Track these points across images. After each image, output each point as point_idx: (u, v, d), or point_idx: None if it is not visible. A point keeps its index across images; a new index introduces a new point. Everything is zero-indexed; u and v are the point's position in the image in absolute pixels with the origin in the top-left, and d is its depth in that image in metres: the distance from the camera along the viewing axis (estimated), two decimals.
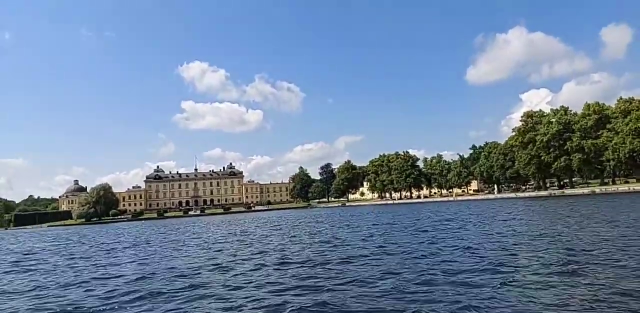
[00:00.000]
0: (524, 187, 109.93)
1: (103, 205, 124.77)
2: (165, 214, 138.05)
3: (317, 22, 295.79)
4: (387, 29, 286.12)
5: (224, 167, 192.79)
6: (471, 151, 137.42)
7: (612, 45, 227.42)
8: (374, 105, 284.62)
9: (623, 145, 71.82)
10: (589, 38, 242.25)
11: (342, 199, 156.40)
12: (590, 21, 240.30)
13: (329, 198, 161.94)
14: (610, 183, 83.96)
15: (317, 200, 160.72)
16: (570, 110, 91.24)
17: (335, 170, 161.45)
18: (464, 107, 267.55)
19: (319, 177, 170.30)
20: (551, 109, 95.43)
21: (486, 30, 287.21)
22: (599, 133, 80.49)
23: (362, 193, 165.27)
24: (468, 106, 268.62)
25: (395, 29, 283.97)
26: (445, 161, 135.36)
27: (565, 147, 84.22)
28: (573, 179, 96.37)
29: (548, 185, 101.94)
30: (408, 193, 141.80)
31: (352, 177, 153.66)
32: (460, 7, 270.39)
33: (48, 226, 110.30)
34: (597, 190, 72.38)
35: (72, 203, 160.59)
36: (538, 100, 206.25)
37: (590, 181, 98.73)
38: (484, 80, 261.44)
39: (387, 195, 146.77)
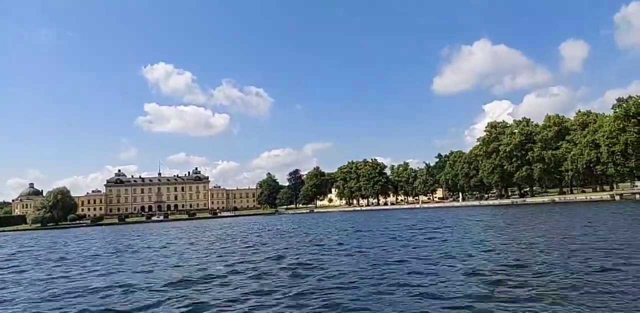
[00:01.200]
0: (486, 195, 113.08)
1: (60, 210, 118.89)
2: (127, 219, 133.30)
3: (287, 29, 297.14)
4: (356, 38, 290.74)
5: (189, 172, 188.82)
6: (437, 160, 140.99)
7: (570, 59, 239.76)
8: (342, 112, 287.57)
9: (581, 156, 75.19)
10: (548, 52, 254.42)
11: (310, 206, 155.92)
12: (550, 36, 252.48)
13: (297, 204, 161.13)
14: (568, 192, 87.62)
15: (285, 207, 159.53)
16: (532, 122, 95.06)
17: (304, 176, 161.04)
18: (430, 116, 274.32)
19: (286, 184, 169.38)
20: (514, 120, 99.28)
21: (452, 42, 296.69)
22: (558, 144, 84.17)
23: (330, 200, 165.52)
24: (434, 115, 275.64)
25: (364, 38, 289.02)
26: (412, 169, 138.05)
27: (527, 157, 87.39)
28: (533, 188, 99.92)
29: (510, 193, 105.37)
30: (375, 200, 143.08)
31: (320, 184, 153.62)
32: (428, 18, 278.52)
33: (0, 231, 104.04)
34: (557, 199, 75.35)
35: (26, 207, 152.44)
36: (500, 111, 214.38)
37: (549, 190, 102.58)
38: (449, 90, 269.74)
39: (355, 201, 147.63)
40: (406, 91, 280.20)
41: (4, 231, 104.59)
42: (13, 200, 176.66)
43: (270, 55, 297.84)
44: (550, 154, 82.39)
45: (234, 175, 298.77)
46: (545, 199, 77.65)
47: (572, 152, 78.05)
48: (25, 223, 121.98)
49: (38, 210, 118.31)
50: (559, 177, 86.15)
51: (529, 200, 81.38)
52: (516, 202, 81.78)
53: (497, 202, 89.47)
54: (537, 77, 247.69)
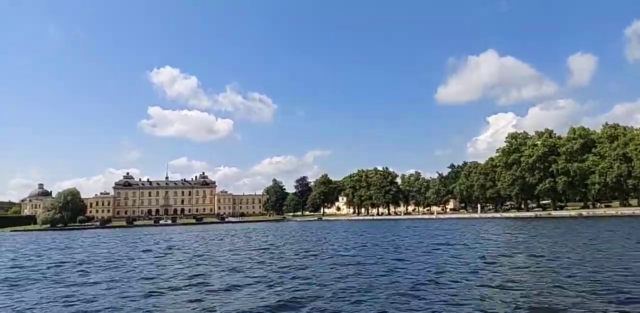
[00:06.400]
0: (503, 207, 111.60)
1: (70, 211, 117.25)
2: (135, 222, 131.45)
3: (291, 36, 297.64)
4: (361, 45, 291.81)
5: (196, 177, 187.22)
6: (449, 170, 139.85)
7: (578, 73, 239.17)
8: (344, 120, 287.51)
9: (610, 169, 73.92)
10: (556, 65, 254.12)
11: (317, 213, 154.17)
12: (558, 49, 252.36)
13: (303, 212, 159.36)
14: (591, 206, 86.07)
15: (292, 214, 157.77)
16: (555, 134, 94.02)
17: (312, 183, 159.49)
18: (432, 126, 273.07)
19: (290, 190, 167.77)
20: (535, 132, 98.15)
21: (459, 52, 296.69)
22: (584, 157, 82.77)
23: (338, 208, 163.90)
24: (436, 125, 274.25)
25: (370, 45, 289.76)
26: (424, 179, 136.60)
27: (550, 170, 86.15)
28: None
29: (528, 206, 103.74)
30: (385, 210, 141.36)
31: (328, 191, 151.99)
32: (435, 27, 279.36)
33: (11, 231, 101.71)
34: (584, 212, 73.76)
35: (36, 207, 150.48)
36: (504, 123, 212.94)
37: (569, 204, 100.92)
38: (453, 100, 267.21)
39: (364, 210, 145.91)
40: (409, 100, 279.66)
41: (15, 230, 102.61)
42: (22, 200, 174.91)
43: (275, 63, 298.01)
44: (575, 167, 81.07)
45: (234, 181, 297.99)
46: (572, 213, 76.09)
47: (600, 165, 76.78)
48: (35, 223, 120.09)
49: (48, 210, 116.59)
50: (583, 190, 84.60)
51: (554, 213, 79.79)
52: (540, 215, 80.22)
53: (518, 214, 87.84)
54: (543, 90, 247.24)
